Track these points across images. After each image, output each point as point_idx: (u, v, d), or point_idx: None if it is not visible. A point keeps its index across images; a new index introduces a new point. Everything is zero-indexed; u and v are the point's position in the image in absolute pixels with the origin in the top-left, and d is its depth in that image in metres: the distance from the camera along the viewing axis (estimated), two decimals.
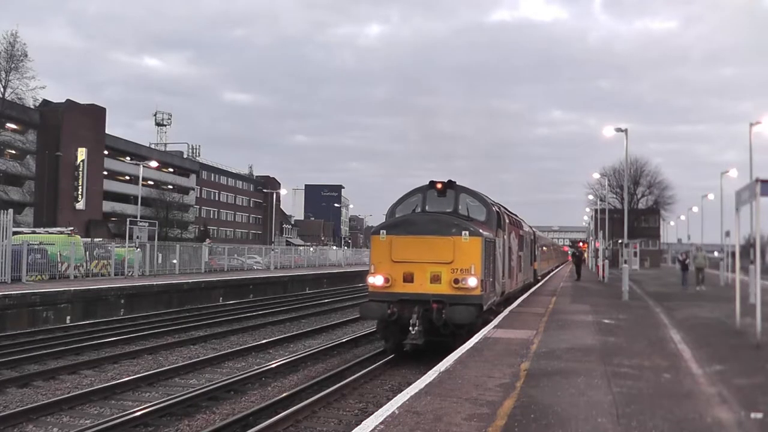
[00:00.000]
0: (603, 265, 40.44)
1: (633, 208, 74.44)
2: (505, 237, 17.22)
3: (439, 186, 15.06)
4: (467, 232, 13.31)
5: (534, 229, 32.11)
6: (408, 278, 13.34)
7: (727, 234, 32.35)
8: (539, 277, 34.91)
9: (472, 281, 13.16)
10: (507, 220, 18.01)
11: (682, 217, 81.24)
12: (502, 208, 18.00)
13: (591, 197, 79.78)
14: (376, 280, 13.60)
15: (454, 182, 15.21)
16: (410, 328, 12.97)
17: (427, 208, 14.97)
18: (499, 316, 16.45)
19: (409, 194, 15.62)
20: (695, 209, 70.72)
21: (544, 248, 41.52)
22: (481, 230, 13.71)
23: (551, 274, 46.69)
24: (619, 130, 30.40)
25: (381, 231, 13.80)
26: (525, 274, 24.45)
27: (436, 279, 13.24)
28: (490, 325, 14.57)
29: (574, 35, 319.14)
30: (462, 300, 13.09)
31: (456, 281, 13.16)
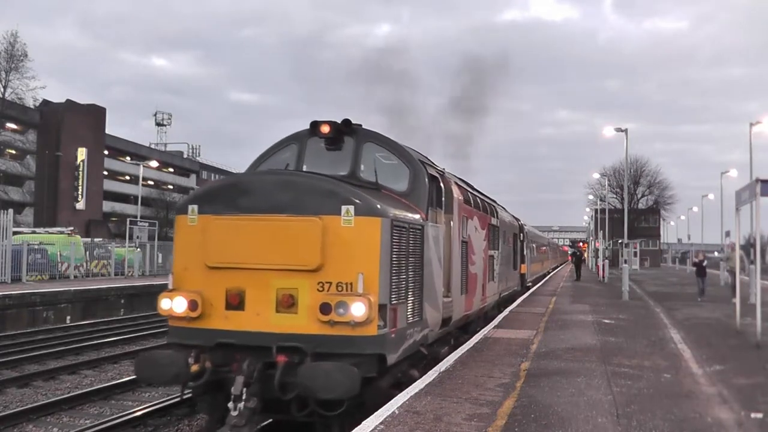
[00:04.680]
0: (603, 265, 40.44)
1: (633, 208, 74.49)
2: (455, 224, 10.37)
3: (324, 129, 8.72)
4: (351, 208, 6.98)
5: (521, 222, 24.48)
6: (234, 301, 7.09)
7: (727, 234, 32.35)
8: (529, 284, 27.85)
9: (359, 308, 6.72)
10: (459, 197, 10.87)
11: (682, 217, 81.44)
12: (452, 178, 11.13)
13: (591, 197, 79.89)
14: (174, 305, 7.18)
15: (354, 124, 8.95)
16: (231, 404, 6.75)
17: (304, 168, 8.83)
18: (499, 316, 16.45)
19: (278, 146, 9.35)
20: (695, 209, 70.85)
21: (536, 247, 34.86)
22: (386, 207, 7.40)
23: (548, 276, 43.65)
24: (619, 130, 30.46)
25: (189, 206, 7.45)
26: (503, 282, 17.44)
27: (287, 302, 6.95)
28: (490, 325, 14.56)
29: (583, 35, 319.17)
30: (338, 346, 6.84)
31: (326, 308, 6.77)
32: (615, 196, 76.91)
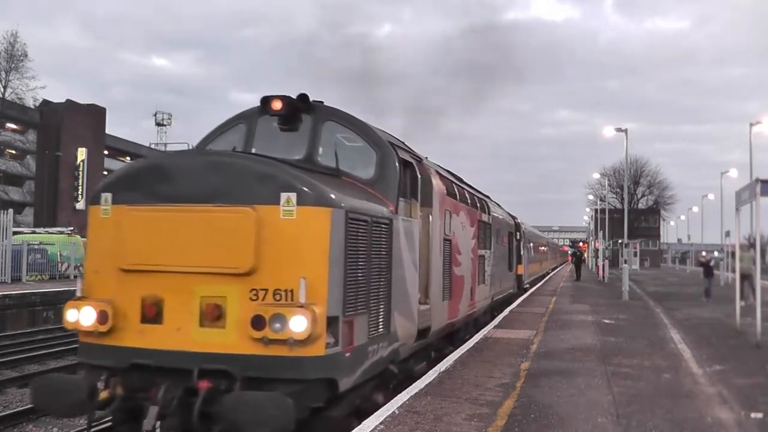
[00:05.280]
0: (603, 265, 40.46)
1: (633, 208, 74.51)
2: (436, 220, 9.10)
3: (276, 105, 7.43)
4: (293, 196, 5.74)
5: (518, 220, 23.22)
6: (151, 312, 5.85)
7: (727, 234, 32.36)
8: (526, 285, 26.59)
9: (299, 322, 5.48)
10: (441, 189, 9.59)
11: (682, 217, 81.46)
12: (433, 167, 9.81)
13: (591, 197, 79.92)
14: (82, 316, 5.96)
15: (313, 100, 7.68)
16: None
17: (254, 150, 7.46)
18: (498, 316, 16.45)
19: (225, 126, 8.08)
20: (695, 209, 70.87)
21: (534, 247, 33.77)
22: (340, 195, 6.22)
23: (547, 277, 43.30)
24: (619, 130, 30.48)
25: (102, 195, 6.21)
26: (496, 285, 16.07)
27: (212, 314, 5.73)
28: (490, 325, 14.56)
29: (584, 35, 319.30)
30: (275, 370, 5.62)
31: (259, 321, 5.55)
32: (615, 196, 76.97)
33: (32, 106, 64.57)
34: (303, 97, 7.52)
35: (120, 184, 6.28)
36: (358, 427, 6.26)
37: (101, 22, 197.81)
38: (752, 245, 18.75)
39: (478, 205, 13.46)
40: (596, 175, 76.30)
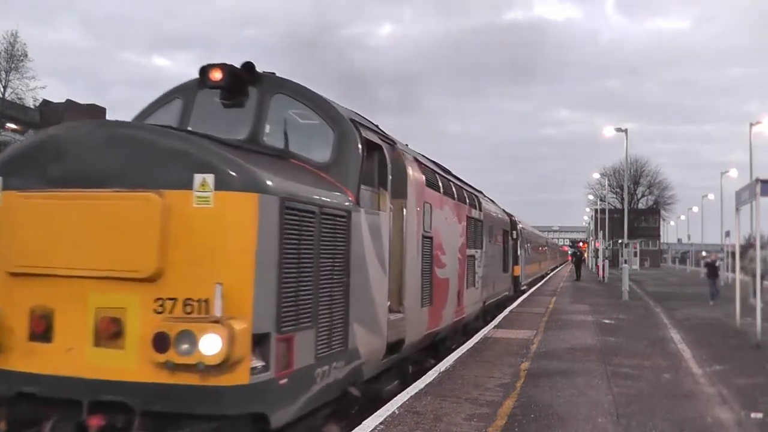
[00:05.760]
0: (603, 265, 40.45)
1: (633, 208, 74.51)
2: (412, 214, 7.92)
3: (215, 75, 6.25)
4: (209, 179, 4.59)
5: (514, 218, 22.14)
6: (39, 327, 4.69)
7: (727, 234, 32.37)
8: (524, 287, 25.12)
9: (211, 342, 4.29)
10: (419, 178, 8.38)
11: (682, 217, 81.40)
12: (411, 153, 8.67)
13: (591, 197, 79.93)
14: None
15: (263, 72, 6.53)
16: None
17: (190, 127, 6.20)
18: (498, 316, 16.45)
19: (160, 102, 6.85)
20: (695, 209, 70.89)
21: (533, 246, 32.46)
22: (276, 178, 5.05)
23: (547, 278, 42.37)
24: (619, 130, 30.49)
25: None
26: (488, 287, 14.87)
27: (109, 330, 4.55)
28: (490, 325, 14.56)
29: (585, 35, 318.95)
30: (183, 402, 4.45)
31: (161, 341, 4.36)
32: (615, 196, 76.94)
33: (32, 106, 64.56)
34: (248, 66, 6.33)
35: (11, 164, 4.97)
36: (358, 427, 6.25)
37: (102, 22, 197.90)
38: (752, 245, 18.72)
39: (467, 199, 12.31)
40: (596, 175, 76.33)
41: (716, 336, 13.71)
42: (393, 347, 7.21)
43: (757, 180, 12.83)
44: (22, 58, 54.59)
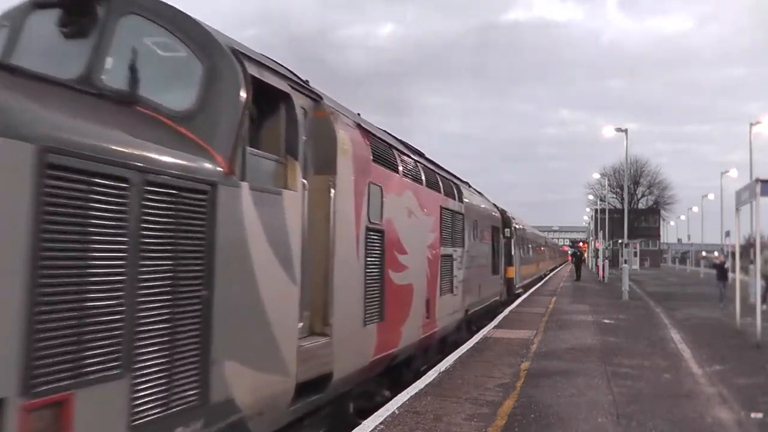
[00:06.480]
0: (603, 265, 40.46)
1: (633, 208, 74.53)
2: (347, 197, 6.21)
3: None
4: None
5: (508, 213, 20.52)
6: None
7: (727, 234, 32.39)
8: (519, 290, 23.36)
9: None
10: (360, 150, 6.61)
11: (682, 217, 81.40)
12: (347, 114, 6.79)
13: (591, 197, 79.96)
14: None
15: None
16: None
17: (14, 62, 4.25)
18: (498, 316, 16.46)
19: None
20: (695, 209, 70.92)
21: (530, 246, 30.49)
22: (42, 117, 3.08)
23: (546, 278, 41.57)
24: (619, 130, 30.50)
25: None
26: (473, 293, 13.16)
27: None
28: (490, 325, 14.58)
29: (587, 35, 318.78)
30: None
31: None
32: (615, 196, 76.95)
33: None
34: None
35: None
36: (358, 427, 6.25)
37: None
38: (752, 245, 18.72)
39: (443, 187, 10.35)
40: (596, 175, 76.38)
41: (716, 336, 13.71)
42: (310, 386, 5.37)
43: (757, 180, 12.83)
44: None
